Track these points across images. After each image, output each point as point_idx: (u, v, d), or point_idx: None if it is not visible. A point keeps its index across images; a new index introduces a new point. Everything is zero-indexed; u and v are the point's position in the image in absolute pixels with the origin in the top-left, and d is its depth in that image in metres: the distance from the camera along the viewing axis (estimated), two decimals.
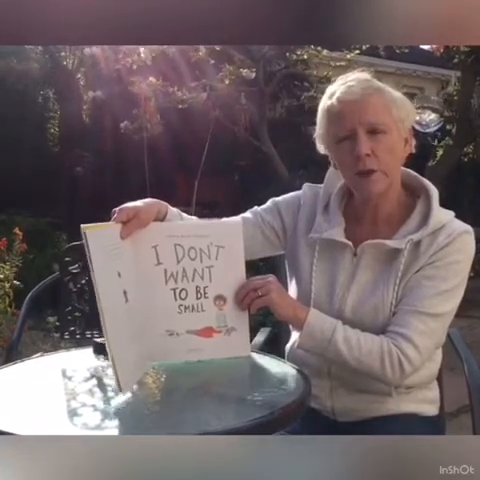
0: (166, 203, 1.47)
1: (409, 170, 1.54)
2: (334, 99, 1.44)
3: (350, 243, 1.49)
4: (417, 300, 1.41)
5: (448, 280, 1.42)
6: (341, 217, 1.53)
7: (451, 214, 1.47)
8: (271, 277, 1.43)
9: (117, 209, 1.34)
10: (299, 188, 1.67)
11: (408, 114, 1.47)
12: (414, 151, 1.51)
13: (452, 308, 1.44)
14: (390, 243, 1.45)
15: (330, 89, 1.48)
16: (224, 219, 1.53)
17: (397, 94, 1.48)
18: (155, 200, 1.44)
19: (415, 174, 1.55)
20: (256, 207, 1.67)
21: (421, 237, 1.43)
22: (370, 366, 1.39)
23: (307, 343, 1.43)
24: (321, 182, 1.63)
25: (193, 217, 1.61)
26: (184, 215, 1.56)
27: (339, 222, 1.52)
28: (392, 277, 1.44)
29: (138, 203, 1.38)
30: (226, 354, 1.40)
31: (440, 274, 1.42)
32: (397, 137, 1.45)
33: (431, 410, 1.57)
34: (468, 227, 1.46)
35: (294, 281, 1.60)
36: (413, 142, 1.50)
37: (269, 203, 1.66)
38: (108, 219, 1.34)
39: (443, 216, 1.45)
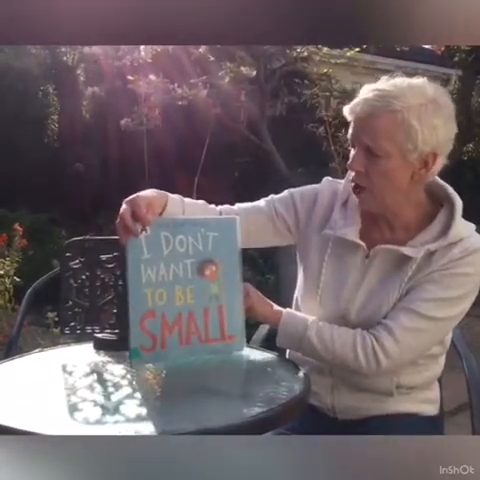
0: (165, 193, 1.45)
1: (436, 178, 1.49)
2: (351, 104, 1.41)
3: (363, 244, 1.47)
4: (414, 299, 1.41)
5: (450, 289, 1.41)
6: (358, 216, 1.50)
7: (472, 228, 1.44)
8: (246, 283, 1.46)
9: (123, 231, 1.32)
10: (298, 186, 1.65)
11: (426, 143, 1.36)
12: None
13: (450, 316, 1.43)
14: (405, 250, 1.42)
15: (363, 89, 1.42)
16: (220, 215, 1.56)
17: (426, 120, 1.36)
18: (152, 195, 1.41)
19: (442, 183, 1.49)
20: (272, 195, 1.63)
21: (438, 248, 1.41)
22: (344, 358, 1.41)
23: (284, 342, 1.48)
24: (320, 181, 1.62)
25: (200, 201, 1.58)
26: (186, 201, 1.51)
27: (355, 221, 1.50)
28: (401, 281, 1.43)
29: (140, 210, 1.33)
30: (222, 350, 1.40)
31: (444, 282, 1.41)
32: (399, 163, 1.38)
33: (431, 410, 1.57)
34: None
35: (303, 275, 1.59)
36: (438, 166, 1.42)
37: (285, 193, 1.62)
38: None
39: (463, 230, 1.42)
